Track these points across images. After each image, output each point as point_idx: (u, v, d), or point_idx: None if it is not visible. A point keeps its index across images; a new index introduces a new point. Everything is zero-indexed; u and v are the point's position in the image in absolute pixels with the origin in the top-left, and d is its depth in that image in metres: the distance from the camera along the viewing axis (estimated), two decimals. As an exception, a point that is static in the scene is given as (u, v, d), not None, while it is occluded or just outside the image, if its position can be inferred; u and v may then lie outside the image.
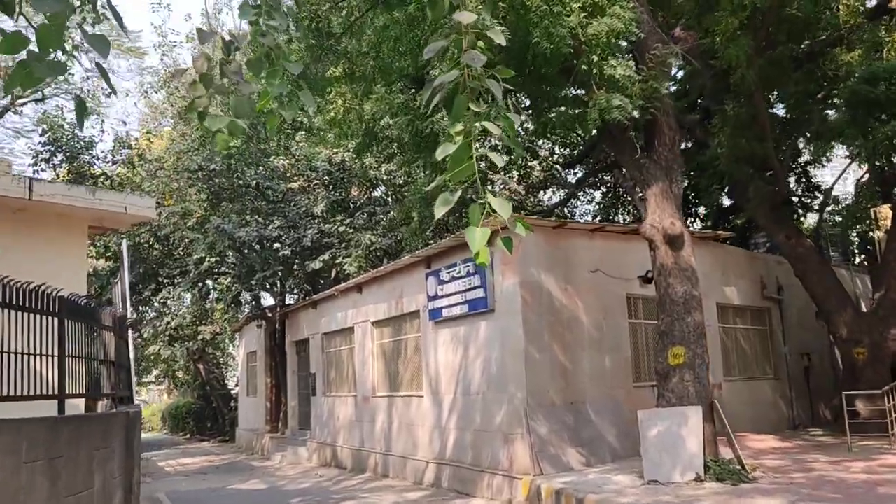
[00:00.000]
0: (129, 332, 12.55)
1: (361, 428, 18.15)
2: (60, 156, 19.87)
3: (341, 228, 19.92)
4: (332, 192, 21.39)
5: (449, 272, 13.92)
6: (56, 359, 6.80)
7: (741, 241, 20.03)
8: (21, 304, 6.15)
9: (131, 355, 11.94)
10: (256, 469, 20.59)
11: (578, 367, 12.93)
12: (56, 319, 6.73)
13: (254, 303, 24.23)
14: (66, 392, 6.97)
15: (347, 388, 19.64)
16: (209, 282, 23.43)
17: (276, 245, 20.53)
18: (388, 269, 16.50)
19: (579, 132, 17.40)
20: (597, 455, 12.41)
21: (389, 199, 22.26)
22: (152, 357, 24.99)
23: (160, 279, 23.30)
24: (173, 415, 45.41)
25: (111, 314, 8.93)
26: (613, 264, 13.97)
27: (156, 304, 22.93)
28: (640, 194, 11.43)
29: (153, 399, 58.77)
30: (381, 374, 17.61)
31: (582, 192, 23.12)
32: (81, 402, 9.23)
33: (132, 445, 8.64)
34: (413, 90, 13.16)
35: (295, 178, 21.92)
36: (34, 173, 19.03)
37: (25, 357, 6.20)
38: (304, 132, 20.90)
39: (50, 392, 6.62)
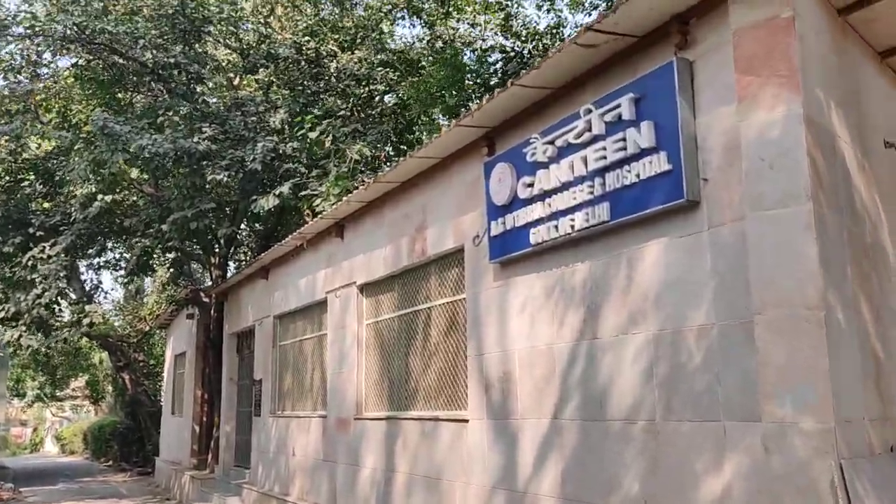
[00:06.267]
0: None
1: (333, 474, 10.20)
2: None
3: (313, 135, 11.91)
4: (301, 94, 13.47)
5: (554, 138, 6.10)
6: None
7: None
8: None
9: None
10: (155, 535, 12.46)
11: (893, 355, 5.18)
12: None
13: (175, 272, 16.11)
14: None
15: (312, 402, 11.68)
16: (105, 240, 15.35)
17: (206, 167, 12.54)
18: (394, 175, 8.65)
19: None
20: None
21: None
22: (14, 348, 16.71)
23: (32, 231, 15.18)
24: (96, 436, 37.28)
25: None
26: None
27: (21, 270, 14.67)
28: None
29: (79, 416, 49.70)
30: (374, 377, 9.71)
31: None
32: None
33: None
34: None
35: (241, 76, 14.00)
36: None
37: None
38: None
39: None
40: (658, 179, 5.11)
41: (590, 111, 5.71)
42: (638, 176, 5.26)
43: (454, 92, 12.72)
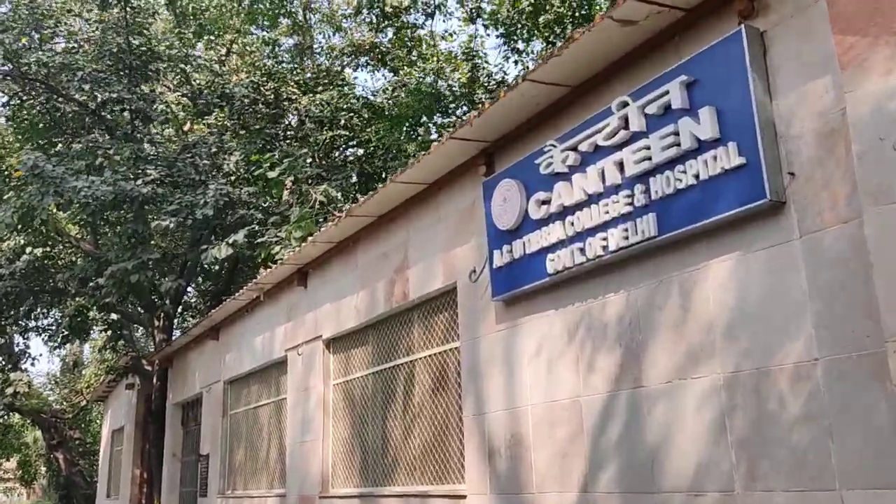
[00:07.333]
0: None
1: (295, 566, 8.64)
2: None
3: (272, 174, 10.69)
4: (257, 135, 12.34)
5: (577, 143, 5.02)
6: None
7: None
8: None
9: None
10: None
11: None
12: None
13: (113, 334, 14.48)
14: None
15: (268, 479, 10.13)
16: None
17: (150, 213, 11.20)
18: (369, 208, 7.47)
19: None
20: None
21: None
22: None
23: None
24: (28, 523, 34.29)
25: None
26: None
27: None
28: None
29: (11, 500, 45.83)
30: (343, 446, 8.29)
31: None
32: None
33: None
34: None
35: (193, 120, 12.83)
36: None
37: None
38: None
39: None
40: (727, 178, 4.03)
41: (625, 104, 4.65)
42: (697, 176, 4.18)
43: (430, 123, 11.72)
